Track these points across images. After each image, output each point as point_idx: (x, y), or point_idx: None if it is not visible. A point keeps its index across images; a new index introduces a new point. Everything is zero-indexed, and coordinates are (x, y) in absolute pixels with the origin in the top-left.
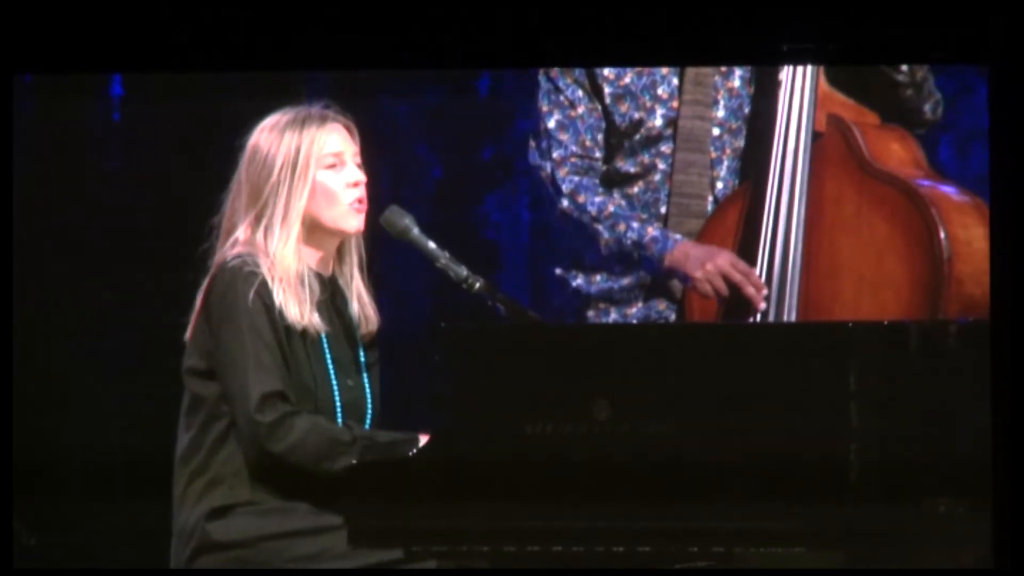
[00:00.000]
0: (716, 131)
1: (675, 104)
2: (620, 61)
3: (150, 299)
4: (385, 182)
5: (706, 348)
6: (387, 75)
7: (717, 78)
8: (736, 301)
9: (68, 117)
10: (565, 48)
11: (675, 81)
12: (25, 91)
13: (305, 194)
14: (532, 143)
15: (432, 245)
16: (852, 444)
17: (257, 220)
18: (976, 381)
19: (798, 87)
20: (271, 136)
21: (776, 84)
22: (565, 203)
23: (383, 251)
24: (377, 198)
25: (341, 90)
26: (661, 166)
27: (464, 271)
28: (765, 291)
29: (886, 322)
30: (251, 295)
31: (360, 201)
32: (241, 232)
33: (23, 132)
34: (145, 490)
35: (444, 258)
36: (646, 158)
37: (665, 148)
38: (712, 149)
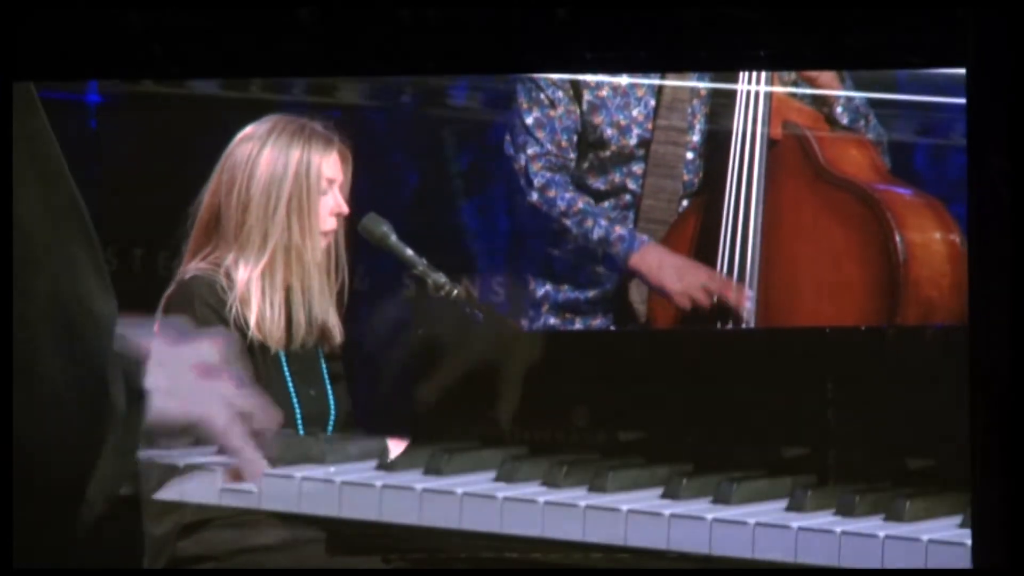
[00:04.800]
0: (690, 155)
1: (650, 125)
2: (602, 68)
3: (129, 305)
4: (362, 189)
5: (686, 354)
6: (364, 82)
7: (696, 102)
8: (713, 312)
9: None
10: (542, 54)
11: (652, 103)
12: None
13: (308, 214)
14: (508, 136)
15: (409, 252)
16: (830, 450)
17: (240, 234)
18: (955, 387)
19: (752, 97)
20: (274, 149)
21: (732, 95)
22: (535, 196)
23: (361, 258)
24: (354, 205)
25: (318, 97)
26: (631, 186)
27: (442, 278)
28: (750, 292)
29: (863, 328)
30: (206, 312)
31: (333, 232)
32: (217, 242)
33: None
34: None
35: (422, 265)
36: (617, 177)
37: (637, 168)
38: (685, 172)
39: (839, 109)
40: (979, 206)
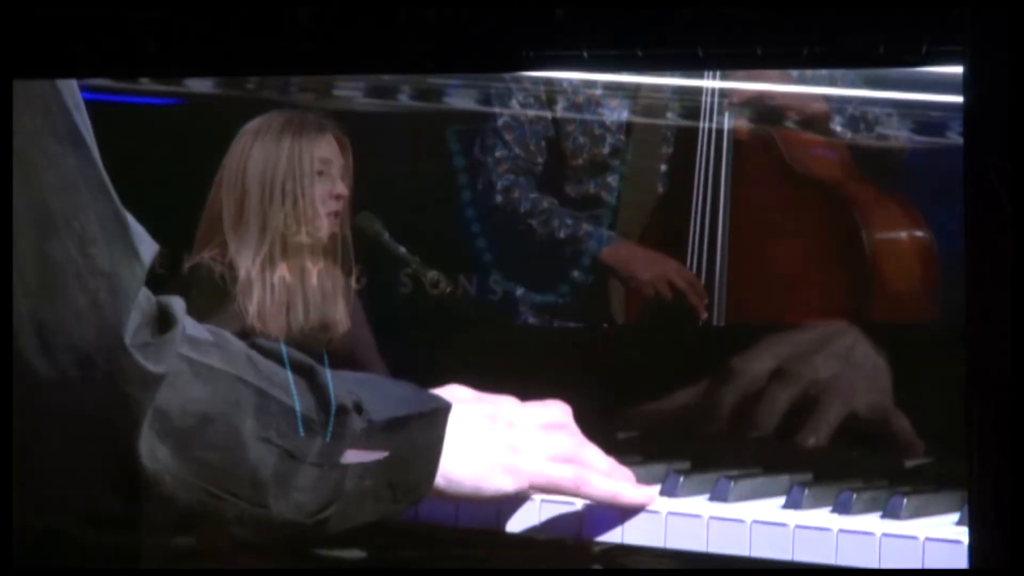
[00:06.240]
0: (663, 167)
1: (623, 136)
2: (601, 68)
3: None
4: (356, 187)
5: (684, 351)
6: (360, 79)
7: (670, 114)
8: (677, 309)
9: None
10: (541, 54)
11: (626, 113)
12: None
13: (304, 199)
14: (477, 140)
15: (403, 250)
16: (827, 448)
17: (239, 225)
18: (952, 385)
19: (716, 98)
20: (266, 140)
21: (697, 97)
22: (499, 199)
23: (357, 256)
24: (347, 204)
25: (311, 95)
26: (606, 197)
27: (435, 276)
28: (706, 300)
29: (856, 326)
30: (204, 300)
31: (335, 214)
32: (221, 235)
33: None
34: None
35: (415, 263)
36: (591, 188)
37: (611, 180)
38: (660, 186)
39: (836, 127)
40: (978, 206)
